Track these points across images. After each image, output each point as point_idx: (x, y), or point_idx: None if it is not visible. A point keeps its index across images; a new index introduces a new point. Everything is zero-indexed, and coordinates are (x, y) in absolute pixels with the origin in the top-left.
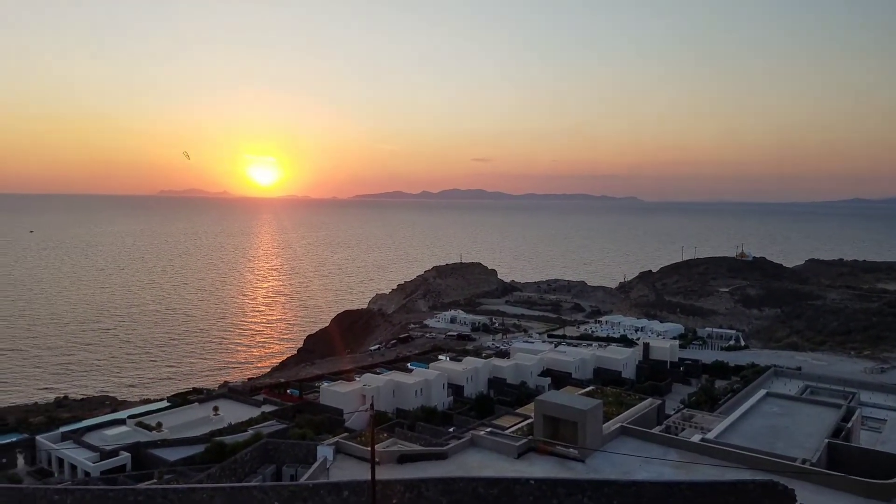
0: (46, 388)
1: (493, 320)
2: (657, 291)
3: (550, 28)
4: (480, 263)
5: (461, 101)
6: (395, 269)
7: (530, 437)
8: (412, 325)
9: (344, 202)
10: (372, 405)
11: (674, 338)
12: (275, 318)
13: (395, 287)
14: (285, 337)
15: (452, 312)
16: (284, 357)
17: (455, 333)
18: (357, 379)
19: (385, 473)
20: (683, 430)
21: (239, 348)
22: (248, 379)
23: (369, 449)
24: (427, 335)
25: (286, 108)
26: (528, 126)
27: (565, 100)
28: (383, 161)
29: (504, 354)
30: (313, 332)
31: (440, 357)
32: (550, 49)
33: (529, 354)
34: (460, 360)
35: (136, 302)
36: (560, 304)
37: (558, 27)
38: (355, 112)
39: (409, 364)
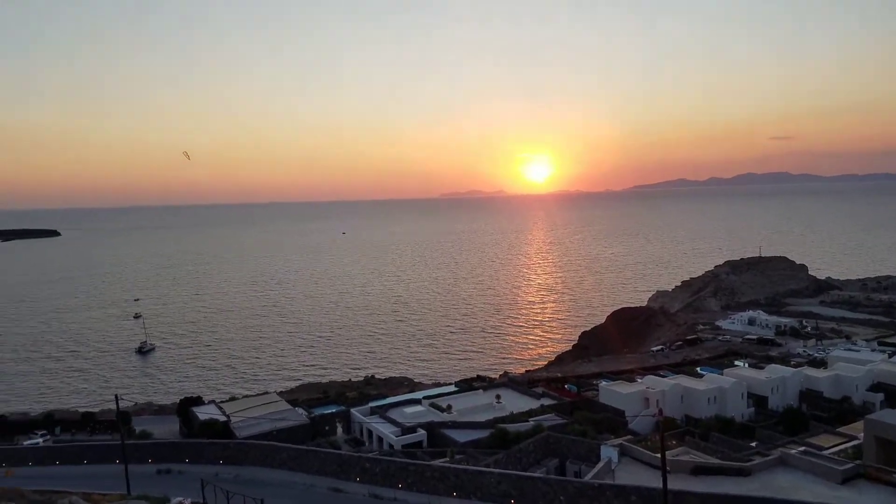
0: (357, 368)
1: (805, 323)
2: None
3: None
4: (785, 257)
5: (753, 77)
6: (679, 264)
7: (859, 461)
8: (701, 326)
9: (619, 194)
10: (661, 409)
11: None
12: (549, 313)
13: (679, 284)
14: (560, 332)
15: (750, 313)
16: (560, 352)
17: (754, 337)
18: (639, 380)
19: (677, 483)
20: None
21: (515, 341)
22: (526, 371)
23: (658, 455)
24: (719, 337)
25: (559, 108)
26: (843, 98)
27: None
28: (662, 149)
29: (819, 363)
30: (588, 328)
31: (737, 363)
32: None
33: (854, 365)
34: (762, 368)
35: (424, 294)
36: (894, 306)
37: None
38: (627, 104)
39: (698, 368)
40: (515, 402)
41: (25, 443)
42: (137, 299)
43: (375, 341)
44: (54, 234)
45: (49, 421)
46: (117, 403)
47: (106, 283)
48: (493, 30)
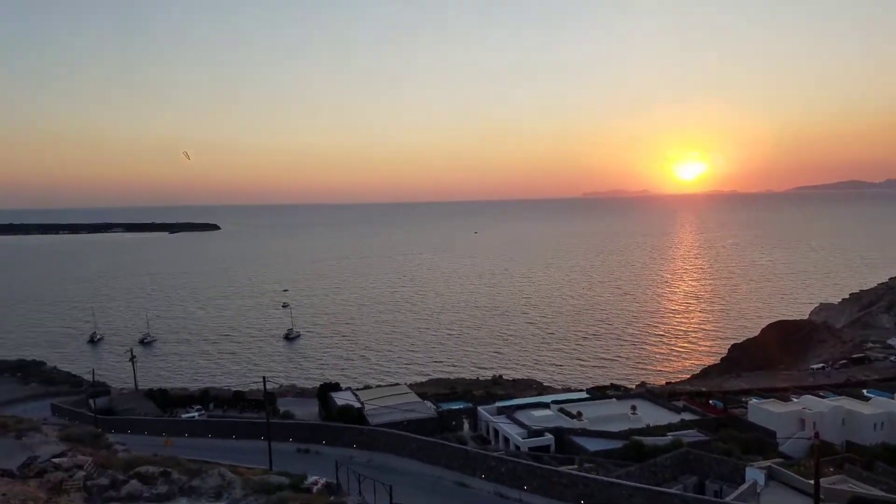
0: (484, 368)
1: None
2: None
3: None
4: None
5: None
6: (847, 275)
7: None
8: (870, 344)
9: (780, 195)
10: (817, 433)
11: None
12: (694, 322)
13: (846, 296)
14: (706, 344)
15: None
16: (705, 365)
17: None
18: (794, 400)
19: None
20: None
21: (655, 351)
22: (666, 383)
23: (812, 482)
24: (892, 357)
25: (710, 102)
26: None
27: None
28: (831, 145)
29: None
30: (739, 341)
31: None
32: None
33: None
34: None
35: (556, 296)
36: None
37: None
38: (786, 95)
39: (865, 390)
40: (653, 415)
41: (183, 416)
42: (286, 290)
43: (504, 342)
44: (215, 227)
45: (205, 397)
46: (264, 385)
47: (259, 274)
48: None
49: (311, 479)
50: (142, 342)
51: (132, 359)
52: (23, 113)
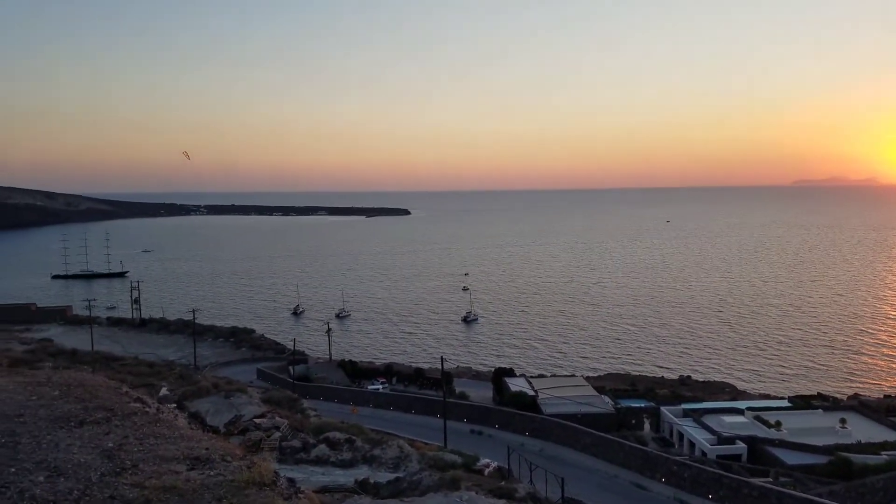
0: (666, 368)
1: None
2: None
3: None
4: None
5: None
6: None
7: None
8: None
9: None
10: None
11: None
12: None
13: None
14: None
15: None
16: None
17: None
18: None
19: None
20: None
21: (874, 359)
22: (885, 396)
23: None
24: None
25: None
26: None
27: None
28: None
29: None
30: None
31: None
32: None
33: None
34: None
35: (755, 295)
36: None
37: None
38: None
39: None
40: (865, 431)
41: (369, 387)
42: (467, 273)
43: (695, 340)
44: (405, 212)
45: (389, 371)
46: (442, 365)
47: (443, 257)
48: None
49: (484, 461)
50: (337, 316)
51: (328, 331)
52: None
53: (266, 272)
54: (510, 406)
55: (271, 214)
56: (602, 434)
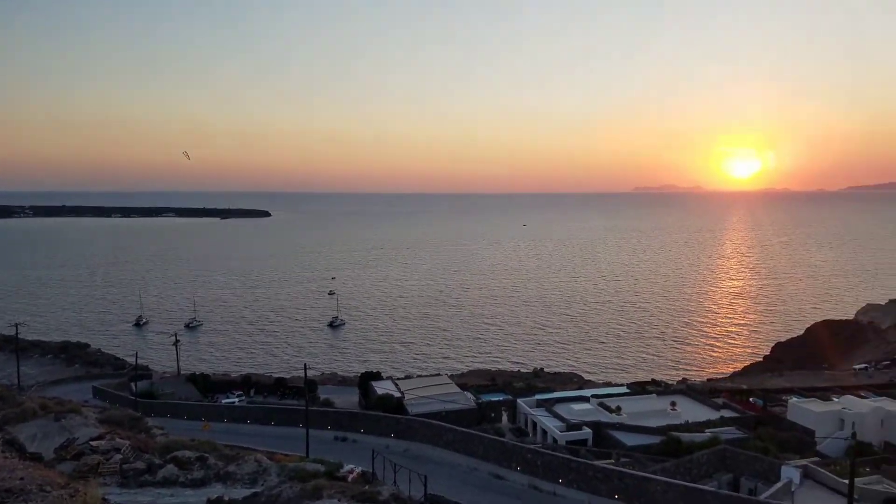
0: (525, 361)
1: None
2: None
3: None
4: None
5: None
6: (895, 276)
7: None
8: None
9: (832, 194)
10: (854, 433)
11: None
12: (738, 320)
13: (893, 297)
14: (750, 342)
15: None
16: (747, 363)
17: None
18: (835, 399)
19: None
20: None
21: (698, 348)
22: (707, 380)
23: (846, 481)
24: None
25: (766, 99)
26: None
27: None
28: (891, 145)
29: None
30: (783, 339)
31: None
32: None
33: None
34: None
35: (600, 292)
36: None
37: None
38: (845, 95)
39: None
40: (692, 411)
41: (223, 401)
42: (333, 278)
43: (546, 335)
44: (265, 214)
45: (246, 383)
46: (305, 372)
47: (307, 261)
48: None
49: (347, 467)
50: (187, 326)
51: (176, 343)
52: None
53: (106, 280)
54: (377, 409)
55: (110, 216)
56: (463, 429)
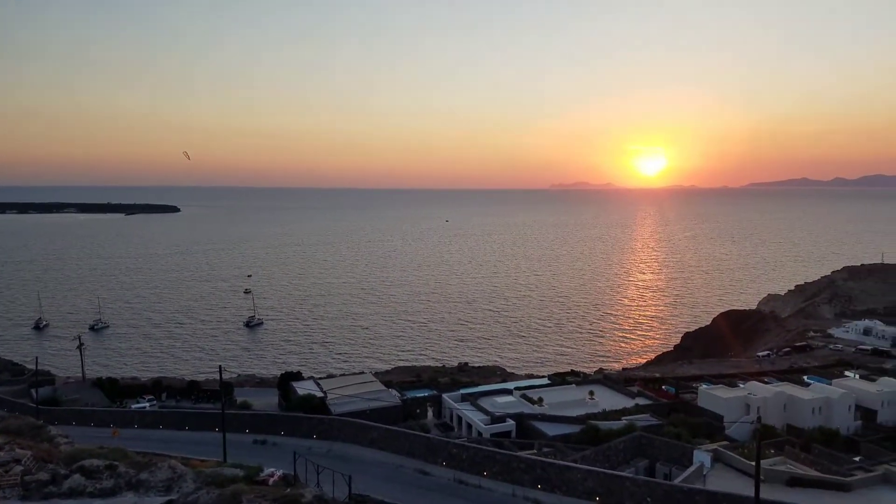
0: (450, 356)
1: None
2: None
3: None
4: None
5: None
6: (793, 268)
7: None
8: (812, 333)
9: (735, 191)
10: (759, 417)
11: None
12: (650, 312)
13: (792, 288)
14: (661, 332)
15: (867, 322)
16: (660, 352)
17: (868, 348)
18: (741, 385)
19: (769, 493)
20: None
21: (613, 339)
22: (623, 369)
23: (753, 463)
24: (830, 346)
25: (672, 101)
26: None
27: None
28: (788, 145)
29: None
30: (692, 329)
31: (847, 373)
32: None
33: None
34: (874, 380)
35: (520, 287)
36: None
37: None
38: (743, 97)
39: (805, 377)
40: (609, 400)
41: (133, 406)
42: (250, 275)
43: (470, 330)
44: (174, 209)
45: (157, 387)
46: (220, 374)
47: (220, 258)
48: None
49: (268, 470)
50: (92, 328)
51: (80, 346)
52: None
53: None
54: (298, 410)
55: (4, 213)
56: (387, 427)
